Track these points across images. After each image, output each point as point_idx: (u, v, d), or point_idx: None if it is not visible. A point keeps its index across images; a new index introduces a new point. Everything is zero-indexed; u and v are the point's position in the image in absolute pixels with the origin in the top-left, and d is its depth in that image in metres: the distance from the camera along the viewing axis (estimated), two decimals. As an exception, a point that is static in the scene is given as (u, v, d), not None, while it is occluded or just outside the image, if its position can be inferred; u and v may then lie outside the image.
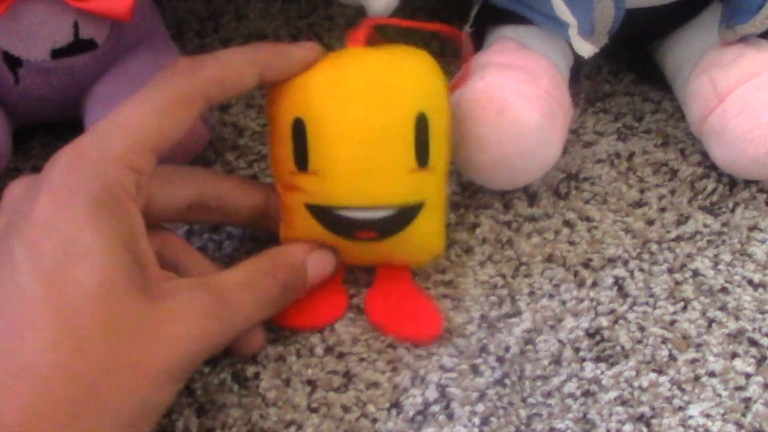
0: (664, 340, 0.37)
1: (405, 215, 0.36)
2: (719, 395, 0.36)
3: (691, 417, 0.35)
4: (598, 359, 0.37)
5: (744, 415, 0.35)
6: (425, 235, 0.37)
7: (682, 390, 0.36)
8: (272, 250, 0.36)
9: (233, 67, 0.34)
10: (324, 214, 0.36)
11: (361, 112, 0.35)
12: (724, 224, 0.42)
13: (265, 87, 0.36)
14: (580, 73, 0.47)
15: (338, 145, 0.35)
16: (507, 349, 0.37)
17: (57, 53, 0.40)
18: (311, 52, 0.36)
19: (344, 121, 0.35)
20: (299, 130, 0.35)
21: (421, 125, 0.35)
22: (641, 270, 0.40)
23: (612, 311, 0.39)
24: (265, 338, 0.37)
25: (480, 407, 0.35)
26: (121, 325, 0.29)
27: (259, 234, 0.41)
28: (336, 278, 0.38)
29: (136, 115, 0.32)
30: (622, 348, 0.37)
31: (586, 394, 0.36)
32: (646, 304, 0.39)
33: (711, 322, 0.38)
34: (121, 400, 0.29)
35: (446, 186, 0.38)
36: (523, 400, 0.35)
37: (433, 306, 0.38)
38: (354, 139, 0.35)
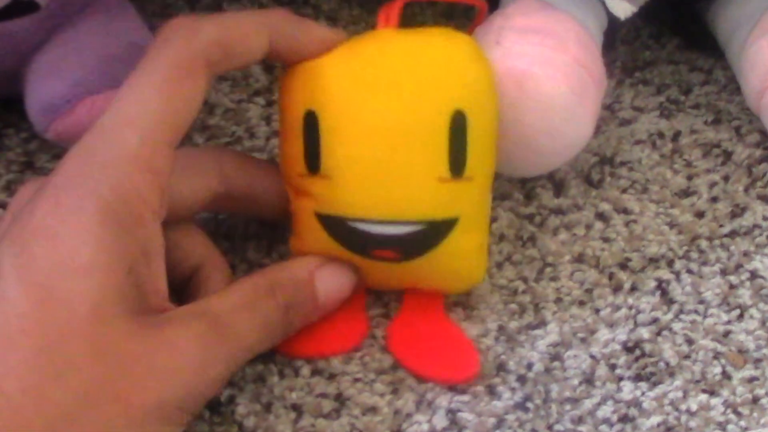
0: (717, 355, 0.37)
1: (433, 233, 0.35)
2: (782, 420, 0.36)
3: (749, 446, 0.35)
4: (637, 378, 0.37)
5: (812, 444, 0.35)
6: (459, 258, 0.37)
7: (738, 414, 0.36)
8: (274, 266, 0.36)
9: (237, 28, 0.34)
10: (336, 226, 0.35)
11: (384, 105, 0.34)
12: (787, 216, 0.42)
13: (277, 71, 0.36)
14: (615, 38, 0.47)
15: (355, 144, 0.34)
16: (529, 366, 0.37)
17: (-8, 17, 0.40)
18: (334, 35, 0.36)
19: (364, 115, 0.34)
20: (311, 124, 0.35)
21: (458, 126, 0.34)
22: (689, 271, 0.40)
23: (654, 321, 0.38)
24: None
25: (498, 436, 0.35)
26: (109, 355, 0.30)
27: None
28: (356, 302, 0.38)
29: (141, 102, 0.32)
30: (667, 364, 0.37)
31: (624, 419, 0.35)
32: (695, 312, 0.39)
33: (772, 333, 0.38)
34: None
35: (489, 199, 0.37)
36: (549, 427, 0.35)
37: (467, 341, 0.37)
38: (374, 138, 0.34)
